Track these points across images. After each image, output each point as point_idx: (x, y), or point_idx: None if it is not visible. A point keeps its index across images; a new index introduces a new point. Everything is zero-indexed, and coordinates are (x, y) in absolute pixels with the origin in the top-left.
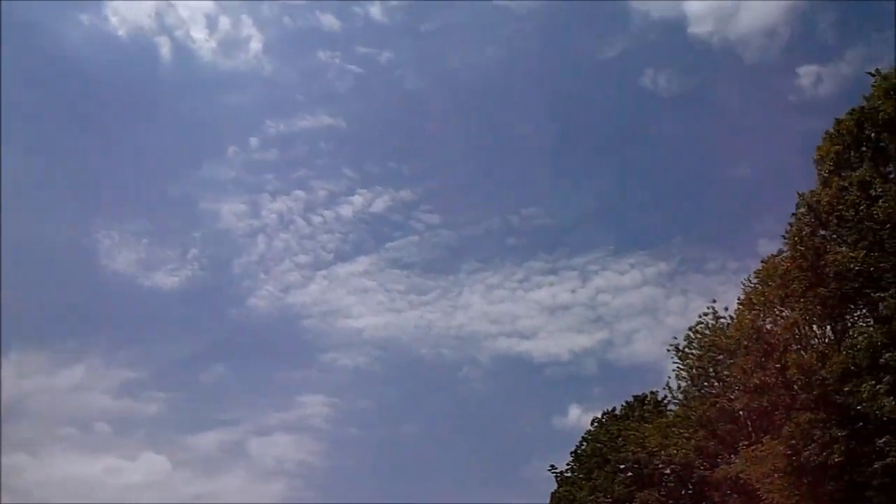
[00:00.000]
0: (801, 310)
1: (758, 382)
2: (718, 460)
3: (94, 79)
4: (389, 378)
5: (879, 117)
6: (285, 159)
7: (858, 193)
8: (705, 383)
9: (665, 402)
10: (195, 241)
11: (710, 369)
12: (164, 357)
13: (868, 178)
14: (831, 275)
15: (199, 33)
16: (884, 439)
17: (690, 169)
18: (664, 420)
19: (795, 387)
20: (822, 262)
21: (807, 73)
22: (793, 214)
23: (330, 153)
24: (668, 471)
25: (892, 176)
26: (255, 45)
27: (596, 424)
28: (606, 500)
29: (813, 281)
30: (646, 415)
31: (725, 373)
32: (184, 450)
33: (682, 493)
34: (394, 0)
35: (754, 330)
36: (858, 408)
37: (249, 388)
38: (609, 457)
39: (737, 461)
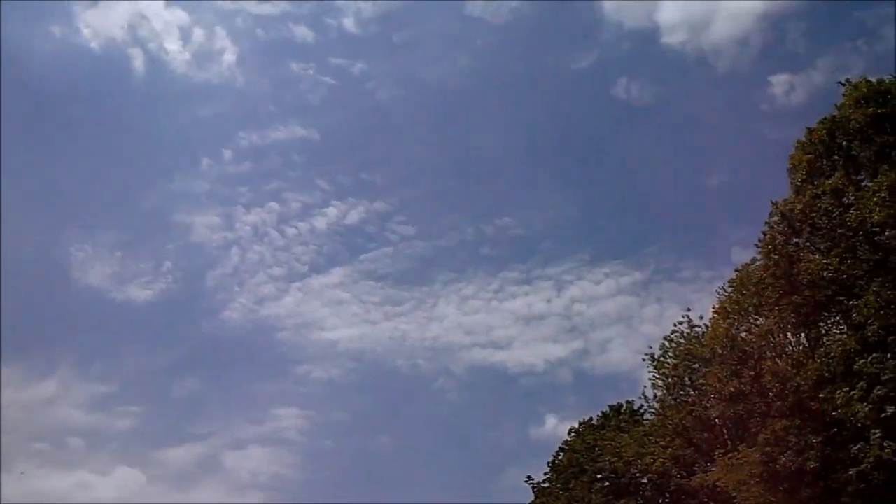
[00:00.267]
0: (775, 318)
1: (733, 390)
2: (695, 468)
3: (67, 91)
4: (364, 390)
5: (851, 126)
6: (259, 171)
7: (831, 201)
8: (681, 392)
9: (641, 411)
10: (169, 254)
11: (686, 378)
12: (137, 370)
13: (840, 186)
14: (805, 282)
15: (172, 45)
16: (858, 445)
17: (664, 178)
18: (640, 429)
19: (771, 394)
20: (796, 270)
21: (779, 81)
22: (766, 223)
23: (303, 165)
24: (645, 480)
25: (863, 183)
26: (229, 56)
27: (573, 434)
28: None
29: (787, 289)
30: (622, 424)
31: (701, 381)
32: (158, 464)
33: (660, 501)
34: (367, 11)
35: (729, 338)
36: (833, 414)
37: (223, 401)
38: (586, 467)
39: (713, 469)
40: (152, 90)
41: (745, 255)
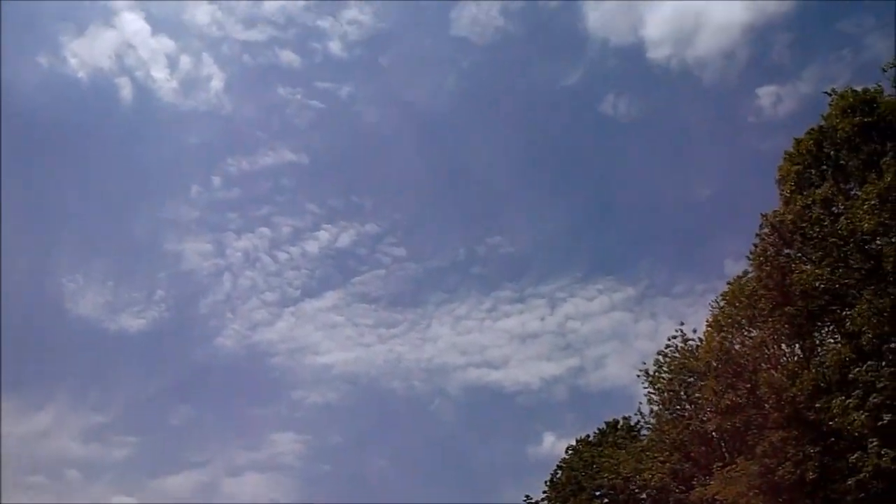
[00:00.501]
0: (769, 329)
1: (729, 403)
2: (694, 482)
3: (54, 121)
4: (360, 413)
5: (838, 135)
6: (248, 197)
7: (821, 211)
8: (677, 406)
9: (638, 426)
10: (160, 282)
11: (682, 392)
12: (132, 400)
13: (830, 196)
14: (797, 293)
15: (159, 73)
16: (856, 455)
17: (654, 192)
18: (638, 445)
19: (767, 406)
20: (788, 281)
21: (766, 93)
22: (757, 234)
23: (293, 189)
24: (643, 496)
25: (852, 192)
26: (216, 83)
27: (570, 452)
28: None
29: (779, 300)
30: (619, 440)
31: (696, 395)
32: (155, 493)
33: None
34: (353, 34)
35: (723, 351)
36: (830, 424)
37: (219, 429)
38: (584, 484)
39: (712, 483)
40: (140, 118)
41: (737, 266)
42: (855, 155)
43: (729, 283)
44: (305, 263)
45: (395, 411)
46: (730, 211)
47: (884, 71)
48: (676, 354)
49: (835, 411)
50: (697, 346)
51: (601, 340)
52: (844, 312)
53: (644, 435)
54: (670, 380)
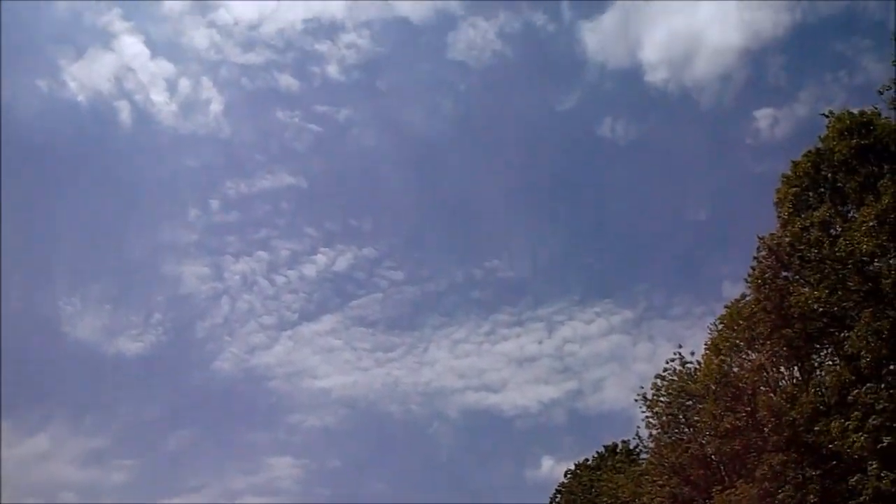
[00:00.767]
0: (767, 352)
1: (728, 426)
2: None
3: (54, 145)
4: (358, 437)
5: (835, 158)
6: (247, 220)
7: (819, 233)
8: (675, 430)
9: (637, 450)
10: (158, 306)
11: (680, 415)
12: (129, 424)
13: (827, 218)
14: (796, 315)
15: (159, 96)
16: (856, 477)
17: (652, 215)
18: (637, 469)
19: (766, 429)
20: (786, 304)
21: (763, 115)
22: (754, 257)
23: (291, 212)
24: None
25: (850, 215)
26: (216, 106)
27: (569, 476)
28: None
29: (778, 322)
30: (618, 464)
31: (695, 418)
32: None
33: None
34: (351, 58)
35: (722, 374)
36: (830, 446)
37: (217, 453)
38: None
39: None
40: (139, 142)
41: (735, 289)
42: (852, 177)
43: (727, 306)
44: (303, 287)
45: (392, 435)
46: (727, 233)
47: (880, 94)
48: (675, 378)
49: (834, 434)
50: (696, 368)
51: (599, 363)
52: (843, 334)
53: (643, 458)
54: (669, 403)
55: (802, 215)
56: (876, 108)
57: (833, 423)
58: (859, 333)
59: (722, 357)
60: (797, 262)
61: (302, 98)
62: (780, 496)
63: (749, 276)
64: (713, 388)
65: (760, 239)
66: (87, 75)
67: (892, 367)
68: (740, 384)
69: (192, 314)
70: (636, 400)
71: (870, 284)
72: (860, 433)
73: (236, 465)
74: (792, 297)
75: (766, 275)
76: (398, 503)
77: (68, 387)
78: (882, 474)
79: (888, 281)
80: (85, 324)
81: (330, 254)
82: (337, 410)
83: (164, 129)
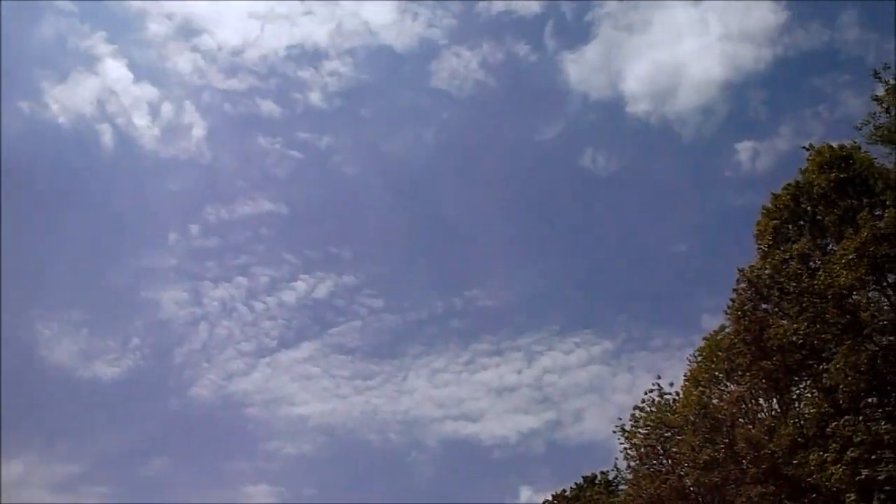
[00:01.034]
0: (746, 384)
1: (707, 458)
2: None
3: (34, 167)
4: (336, 465)
5: (815, 191)
6: (226, 246)
7: (798, 266)
8: (654, 461)
9: (615, 481)
10: (136, 331)
11: (659, 447)
12: (104, 450)
13: (807, 251)
14: (775, 347)
15: (141, 120)
16: None
17: (632, 246)
18: (615, 500)
19: (745, 461)
20: (765, 336)
21: (744, 148)
22: (734, 289)
23: (271, 239)
24: None
25: (829, 247)
26: (198, 131)
27: None
28: None
29: (757, 354)
30: (597, 496)
31: (674, 449)
32: None
33: None
34: (333, 85)
35: (701, 406)
36: (808, 479)
37: (193, 480)
38: None
39: None
40: (121, 165)
41: (714, 321)
42: (832, 210)
43: (706, 338)
44: (282, 313)
45: (371, 463)
46: (707, 265)
47: (858, 129)
48: (653, 409)
49: (812, 466)
50: (675, 400)
51: (579, 394)
52: (822, 367)
53: (621, 490)
54: (647, 435)
55: (782, 248)
56: (855, 142)
57: (811, 456)
58: (838, 366)
59: (701, 388)
60: (776, 294)
61: (284, 125)
62: None
63: (728, 307)
64: (692, 419)
65: (740, 271)
66: (69, 98)
67: (870, 399)
68: (719, 416)
69: (171, 340)
70: (615, 431)
71: (848, 317)
72: (838, 465)
73: (213, 492)
74: (771, 330)
75: (746, 307)
76: None
77: (44, 412)
78: None
79: (866, 314)
80: (62, 348)
81: (310, 281)
82: (315, 438)
83: (145, 154)
